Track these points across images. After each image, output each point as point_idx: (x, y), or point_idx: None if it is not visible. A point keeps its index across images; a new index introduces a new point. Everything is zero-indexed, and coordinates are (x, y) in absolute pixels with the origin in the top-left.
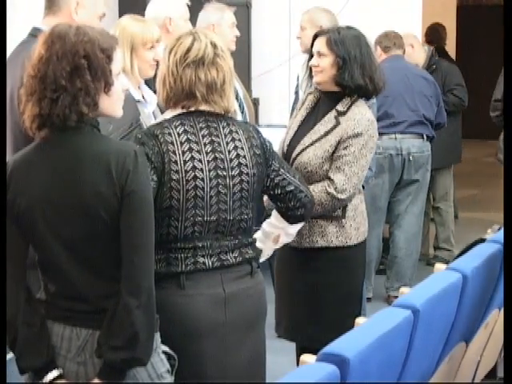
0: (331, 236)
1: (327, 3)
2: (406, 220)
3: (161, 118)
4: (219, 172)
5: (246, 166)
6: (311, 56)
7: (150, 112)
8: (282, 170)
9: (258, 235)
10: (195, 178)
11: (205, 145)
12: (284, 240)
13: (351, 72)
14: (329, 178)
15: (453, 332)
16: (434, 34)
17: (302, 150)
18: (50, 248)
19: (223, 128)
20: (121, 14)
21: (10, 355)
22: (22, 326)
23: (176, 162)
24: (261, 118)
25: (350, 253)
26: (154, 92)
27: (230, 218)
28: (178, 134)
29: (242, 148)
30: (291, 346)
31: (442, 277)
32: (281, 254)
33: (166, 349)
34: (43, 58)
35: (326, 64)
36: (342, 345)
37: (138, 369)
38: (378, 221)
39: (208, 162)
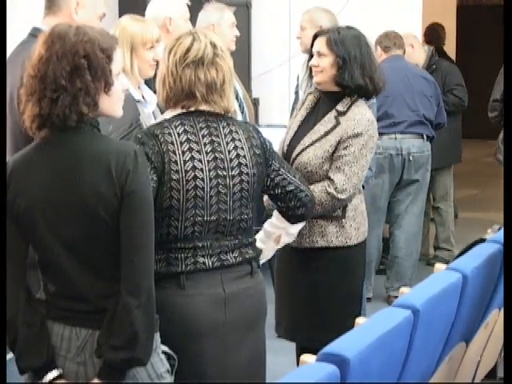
0: (331, 236)
1: (327, 3)
2: (406, 220)
3: (161, 118)
4: (219, 172)
5: (246, 165)
6: (311, 56)
7: (150, 112)
8: (282, 170)
9: (259, 236)
10: (195, 177)
11: (205, 145)
12: (285, 240)
13: (351, 72)
14: (329, 178)
15: (453, 332)
16: (432, 34)
17: (302, 150)
18: (49, 248)
19: (223, 128)
20: (121, 14)
21: (9, 355)
22: (22, 326)
23: (176, 162)
24: (261, 118)
25: (350, 253)
26: (154, 92)
27: (230, 218)
28: (178, 133)
29: (242, 148)
30: (291, 346)
31: (442, 277)
32: (281, 254)
33: (166, 349)
34: (43, 57)
35: (325, 64)
36: (342, 345)
37: (137, 369)
38: (378, 221)
39: (208, 161)
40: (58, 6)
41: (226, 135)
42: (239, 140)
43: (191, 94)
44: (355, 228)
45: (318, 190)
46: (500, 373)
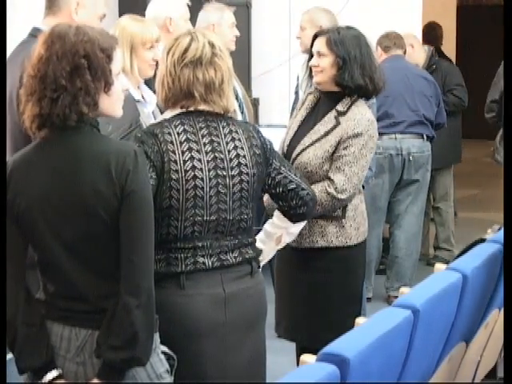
0: (331, 236)
1: (327, 3)
2: (406, 220)
3: (160, 118)
4: (219, 172)
5: (246, 165)
6: (311, 56)
7: (150, 112)
8: (283, 169)
9: (259, 236)
10: (195, 177)
11: (204, 144)
12: (286, 240)
13: (351, 72)
14: (329, 178)
15: (453, 332)
16: (430, 33)
17: (302, 150)
18: (49, 248)
19: (223, 128)
20: (121, 14)
21: (9, 355)
22: (22, 325)
23: (175, 162)
24: (261, 118)
25: (350, 253)
26: (154, 92)
27: (229, 218)
28: (178, 133)
29: (242, 148)
30: (291, 346)
31: (442, 277)
32: (281, 253)
33: (165, 349)
34: (43, 57)
35: (325, 64)
36: (342, 345)
37: (137, 369)
38: (378, 221)
39: (208, 161)
40: (58, 7)
41: (225, 135)
42: (239, 140)
43: (190, 93)
44: (355, 228)
45: (318, 190)
46: (500, 373)
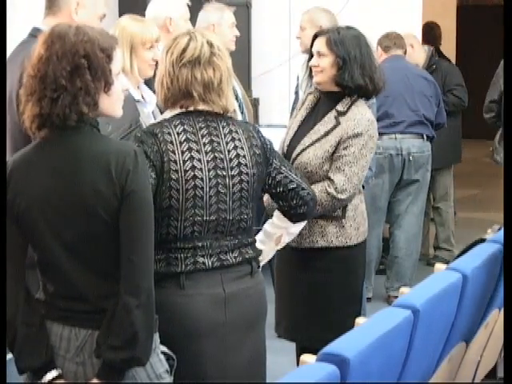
0: (331, 236)
1: (327, 3)
2: (406, 220)
3: (160, 118)
4: (219, 172)
5: (246, 165)
6: (311, 56)
7: (150, 112)
8: (283, 168)
9: (258, 237)
10: (194, 177)
11: (204, 144)
12: (285, 240)
13: (351, 72)
14: (329, 179)
15: (453, 332)
16: (429, 33)
17: (302, 150)
18: (49, 248)
19: (223, 128)
20: (121, 14)
21: (9, 355)
22: (21, 325)
23: (175, 162)
24: (261, 118)
25: (350, 253)
26: (154, 92)
27: (229, 218)
28: (178, 133)
29: (242, 148)
30: (291, 346)
31: (442, 277)
32: (281, 253)
33: (165, 349)
34: (43, 57)
35: (325, 64)
36: (342, 345)
37: (136, 369)
38: (378, 221)
39: (207, 161)
40: (58, 7)
41: (225, 135)
42: (239, 140)
43: (188, 93)
44: (355, 228)
45: (318, 190)
46: (500, 373)
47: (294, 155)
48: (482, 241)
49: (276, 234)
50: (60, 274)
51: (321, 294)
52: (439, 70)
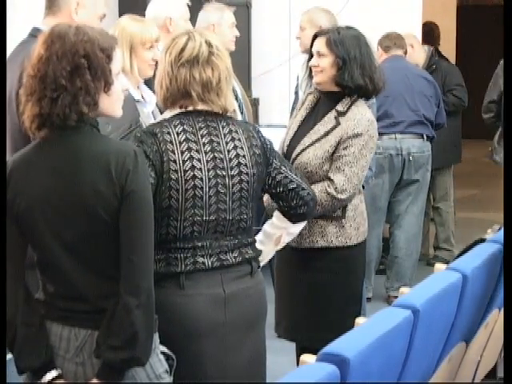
0: (331, 236)
1: (327, 3)
2: (406, 220)
3: (160, 118)
4: (218, 172)
5: (246, 165)
6: (311, 56)
7: (150, 112)
8: (283, 168)
9: (258, 237)
10: (194, 177)
11: (204, 144)
12: (285, 240)
13: (351, 72)
14: (329, 179)
15: (453, 332)
16: (428, 33)
17: (302, 151)
18: (49, 248)
19: (223, 128)
20: (121, 14)
21: (10, 355)
22: (21, 326)
23: (175, 162)
24: (261, 118)
25: (350, 253)
26: (154, 92)
27: (229, 218)
28: (177, 133)
29: (242, 148)
30: (291, 346)
31: (442, 277)
32: (281, 254)
33: (165, 349)
34: (43, 57)
35: (325, 64)
36: (342, 345)
37: (136, 369)
38: (378, 221)
39: (207, 161)
40: (58, 7)
41: (225, 135)
42: (239, 140)
43: (187, 93)
44: (355, 228)
45: (317, 190)
46: (500, 373)
47: (293, 155)
48: (482, 241)
49: (276, 234)
50: (60, 274)
51: (321, 294)
52: (439, 70)
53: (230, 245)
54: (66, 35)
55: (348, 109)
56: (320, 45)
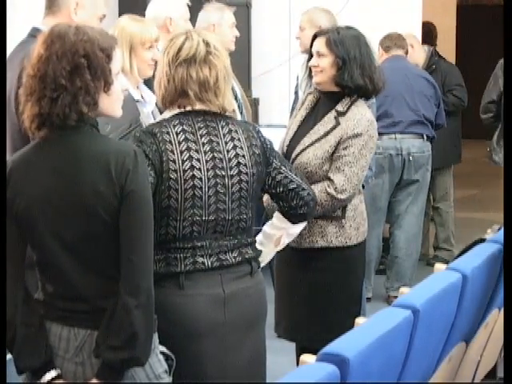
0: (331, 236)
1: (327, 3)
2: (406, 220)
3: (160, 118)
4: (217, 171)
5: (245, 165)
6: (311, 56)
7: (149, 112)
8: (283, 168)
9: (258, 238)
10: (193, 177)
11: (203, 144)
12: (285, 241)
13: (351, 72)
14: (328, 179)
15: (453, 332)
16: (426, 34)
17: (302, 151)
18: (49, 248)
19: (222, 127)
20: (121, 14)
21: (9, 355)
22: (20, 326)
23: (174, 161)
24: (261, 118)
25: (349, 253)
26: (153, 92)
27: (228, 218)
28: (176, 133)
29: (241, 147)
30: (291, 346)
31: (442, 277)
32: (281, 254)
33: (164, 349)
34: (43, 57)
35: (325, 64)
36: (342, 345)
37: (136, 369)
38: (378, 221)
39: (206, 161)
40: (58, 7)
41: (224, 135)
42: (238, 139)
43: (184, 92)
44: (355, 228)
45: (317, 190)
46: (500, 373)
47: (293, 155)
48: (482, 241)
49: (276, 235)
50: (59, 274)
51: (321, 294)
52: (439, 70)
53: (230, 245)
54: (66, 35)
55: (348, 109)
56: (320, 45)
